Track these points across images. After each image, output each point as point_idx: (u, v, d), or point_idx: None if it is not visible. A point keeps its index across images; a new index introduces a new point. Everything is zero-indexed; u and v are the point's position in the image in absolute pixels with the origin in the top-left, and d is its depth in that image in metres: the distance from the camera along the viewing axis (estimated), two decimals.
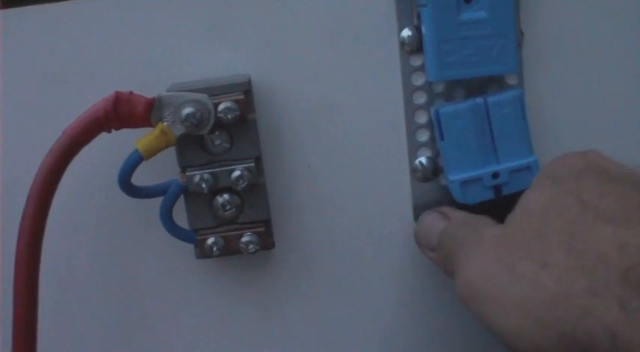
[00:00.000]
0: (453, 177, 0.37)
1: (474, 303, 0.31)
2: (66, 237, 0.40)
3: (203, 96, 0.36)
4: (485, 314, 0.30)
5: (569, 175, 0.30)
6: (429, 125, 0.40)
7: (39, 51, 0.39)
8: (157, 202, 0.39)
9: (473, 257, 0.31)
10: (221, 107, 0.36)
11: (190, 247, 0.40)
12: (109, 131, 0.37)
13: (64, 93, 0.39)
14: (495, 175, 0.37)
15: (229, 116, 0.37)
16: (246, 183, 0.38)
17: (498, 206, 0.35)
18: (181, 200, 0.39)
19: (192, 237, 0.39)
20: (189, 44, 0.39)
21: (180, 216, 0.39)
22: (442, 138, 0.38)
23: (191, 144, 0.38)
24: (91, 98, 0.37)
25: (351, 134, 0.40)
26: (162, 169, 0.39)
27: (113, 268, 0.42)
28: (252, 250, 0.39)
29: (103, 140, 0.37)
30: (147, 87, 0.37)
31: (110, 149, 0.38)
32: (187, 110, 0.36)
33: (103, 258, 0.42)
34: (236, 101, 0.37)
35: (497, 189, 0.38)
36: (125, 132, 0.37)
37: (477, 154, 0.37)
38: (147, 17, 0.39)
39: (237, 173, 0.38)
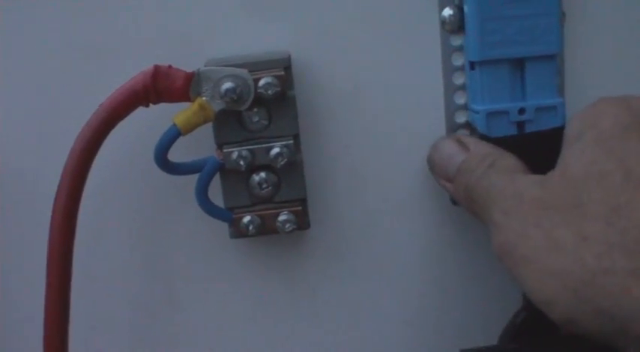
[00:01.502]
0: (480, 107, 0.37)
1: (510, 263, 0.30)
2: (99, 212, 0.40)
3: (243, 71, 0.36)
4: (521, 277, 0.30)
5: (613, 131, 0.30)
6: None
7: (76, 24, 0.38)
8: (191, 179, 0.38)
9: (512, 217, 0.31)
10: (261, 82, 0.36)
11: (223, 226, 0.40)
12: (147, 105, 0.36)
13: (100, 67, 0.39)
14: (521, 111, 0.37)
15: (269, 92, 0.36)
16: (285, 160, 0.37)
17: (517, 143, 0.35)
18: (216, 177, 0.38)
19: (227, 215, 0.38)
20: (227, 19, 0.39)
21: (215, 194, 0.38)
22: (472, 68, 0.37)
23: (228, 121, 0.37)
24: (128, 72, 0.36)
25: (389, 114, 0.40)
26: (197, 146, 0.38)
27: (145, 246, 0.41)
28: (289, 229, 0.38)
29: (139, 114, 0.36)
30: (184, 62, 0.37)
31: (147, 124, 0.37)
32: (227, 85, 0.35)
33: (136, 235, 0.41)
34: (277, 77, 0.36)
35: (520, 125, 0.37)
36: (161, 107, 0.36)
37: (506, 88, 0.37)
38: None
39: (276, 150, 0.37)
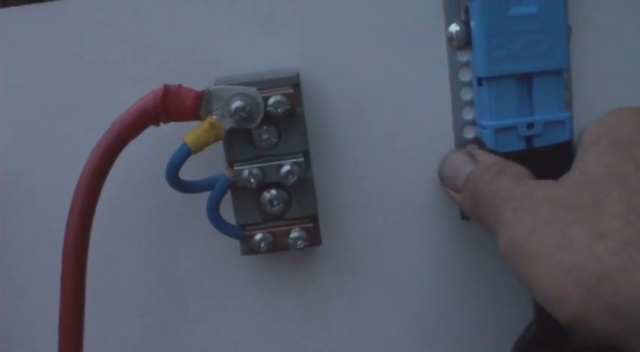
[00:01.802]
0: (488, 122, 0.37)
1: (518, 262, 0.30)
2: (111, 231, 0.40)
3: (252, 90, 0.36)
4: (529, 275, 0.29)
5: (630, 138, 0.30)
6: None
7: (85, 41, 0.39)
8: (202, 197, 0.38)
9: (522, 214, 0.31)
10: (271, 101, 0.36)
11: (234, 243, 0.40)
12: (157, 124, 0.36)
13: (109, 85, 0.39)
14: (530, 126, 0.37)
15: (279, 110, 0.36)
16: (295, 178, 0.37)
17: (526, 158, 0.36)
18: (227, 195, 0.38)
19: (239, 232, 0.39)
20: (235, 37, 0.39)
21: (226, 211, 0.39)
22: (480, 84, 0.37)
23: (238, 139, 0.38)
24: (137, 91, 0.36)
25: (398, 129, 0.40)
26: (207, 164, 0.39)
27: (157, 263, 0.42)
28: (301, 246, 0.38)
29: (149, 134, 0.36)
30: (192, 80, 0.37)
31: (157, 143, 0.38)
32: (237, 103, 0.36)
33: (148, 253, 0.42)
34: (286, 95, 0.36)
35: (528, 140, 0.37)
36: (171, 125, 0.36)
37: (514, 103, 0.37)
38: (193, 9, 0.39)
39: (286, 168, 0.37)
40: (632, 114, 0.31)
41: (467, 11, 0.38)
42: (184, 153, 0.36)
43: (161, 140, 0.37)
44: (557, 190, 0.31)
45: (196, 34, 0.39)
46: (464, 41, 0.39)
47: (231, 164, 0.38)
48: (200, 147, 0.36)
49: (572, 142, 0.37)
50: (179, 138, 0.36)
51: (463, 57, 0.39)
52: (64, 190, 0.36)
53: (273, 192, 0.38)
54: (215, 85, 0.37)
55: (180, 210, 0.40)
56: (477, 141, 0.40)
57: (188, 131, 0.36)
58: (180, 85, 0.36)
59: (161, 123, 0.36)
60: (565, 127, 0.37)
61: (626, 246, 0.27)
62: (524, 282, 0.30)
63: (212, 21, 0.39)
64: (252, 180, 0.37)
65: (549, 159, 0.36)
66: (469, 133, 0.40)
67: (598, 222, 0.28)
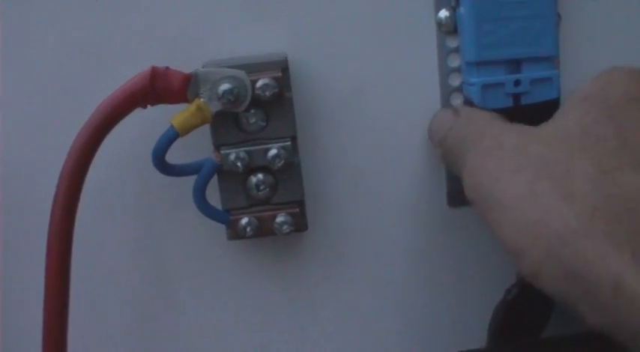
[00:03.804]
0: (475, 79, 0.37)
1: (482, 208, 0.30)
2: (96, 214, 0.39)
3: (241, 73, 0.36)
4: (494, 222, 0.29)
5: (620, 100, 0.29)
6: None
7: (73, 25, 0.39)
8: (187, 181, 0.38)
9: (489, 159, 0.30)
10: (259, 84, 0.36)
11: (220, 227, 0.40)
12: (145, 106, 0.36)
13: (98, 68, 0.39)
14: (517, 83, 0.37)
15: (267, 93, 0.36)
16: (282, 161, 0.37)
17: (513, 116, 0.35)
18: (213, 179, 0.38)
19: (225, 217, 0.38)
20: (224, 21, 0.39)
21: (212, 195, 0.38)
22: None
23: (226, 122, 0.37)
24: (125, 74, 0.36)
25: (385, 115, 0.40)
26: (194, 147, 0.38)
27: (142, 247, 0.41)
28: (287, 231, 0.38)
29: (136, 115, 0.36)
30: (181, 63, 0.37)
31: (143, 125, 0.37)
32: (225, 86, 0.36)
33: (133, 237, 0.41)
34: (274, 78, 0.36)
35: (516, 97, 0.37)
36: (159, 108, 0.36)
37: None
38: None
39: (273, 151, 0.37)
40: (626, 76, 0.30)
41: None
42: (171, 136, 0.36)
43: (148, 122, 0.37)
44: (530, 140, 0.30)
45: (186, 18, 0.39)
46: (453, 27, 0.39)
47: (217, 147, 0.38)
48: (187, 130, 0.36)
49: (559, 100, 0.37)
50: (166, 120, 0.36)
51: (452, 42, 0.39)
52: (53, 171, 0.36)
53: (260, 176, 0.38)
54: (203, 67, 0.36)
55: (165, 194, 0.40)
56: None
57: (175, 114, 0.36)
58: (167, 67, 0.36)
59: (148, 106, 0.36)
60: (553, 84, 0.37)
61: (593, 211, 0.26)
62: (490, 228, 0.30)
63: (201, 5, 0.38)
64: (239, 164, 0.37)
65: (537, 118, 0.36)
66: None
67: (568, 180, 0.28)
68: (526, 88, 0.37)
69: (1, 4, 0.38)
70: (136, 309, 0.42)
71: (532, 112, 0.37)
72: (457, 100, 0.40)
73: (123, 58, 0.38)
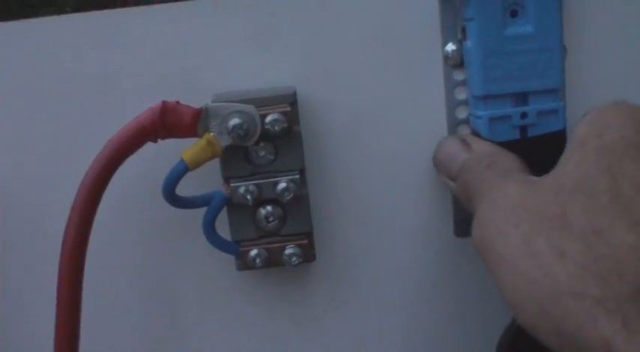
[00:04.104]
0: (482, 112, 0.37)
1: (487, 259, 0.30)
2: (106, 245, 0.40)
3: (250, 108, 0.36)
4: (495, 275, 0.30)
5: (615, 147, 0.29)
6: None
7: (83, 57, 0.39)
8: (197, 213, 0.39)
9: (495, 212, 0.31)
10: (268, 119, 0.36)
11: (229, 259, 0.40)
12: (155, 140, 0.36)
13: (109, 101, 0.39)
14: (524, 115, 0.37)
15: (276, 128, 0.36)
16: (291, 195, 0.37)
17: (521, 147, 0.36)
18: (223, 211, 0.38)
19: (234, 248, 0.39)
20: (232, 55, 0.39)
21: (221, 227, 0.39)
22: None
23: (235, 156, 0.38)
24: (133, 107, 0.36)
25: (393, 147, 0.40)
26: (201, 180, 0.39)
27: (152, 278, 0.42)
28: (296, 262, 0.39)
29: (146, 149, 0.36)
30: (190, 96, 0.37)
31: (153, 159, 0.38)
32: (234, 121, 0.36)
33: (143, 268, 0.42)
34: (283, 113, 0.37)
35: (523, 129, 0.38)
36: (167, 142, 0.37)
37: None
38: (191, 27, 0.39)
39: (282, 185, 0.37)
40: (623, 116, 0.30)
41: (463, 31, 0.38)
42: (181, 170, 0.36)
43: (158, 156, 0.37)
44: (531, 193, 0.30)
45: (195, 51, 0.39)
46: (460, 60, 0.39)
47: (227, 180, 0.38)
48: (197, 164, 0.36)
49: (565, 131, 0.38)
50: (176, 154, 0.36)
51: (459, 75, 0.40)
52: (63, 204, 0.36)
53: (269, 208, 0.38)
54: (213, 101, 0.37)
55: (175, 226, 0.40)
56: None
57: (185, 148, 0.36)
58: (177, 102, 0.36)
59: (158, 140, 0.36)
60: (559, 116, 0.38)
61: (584, 272, 0.26)
62: (492, 279, 0.30)
63: (211, 39, 0.39)
64: (249, 197, 0.37)
65: (544, 148, 0.37)
66: None
67: (561, 237, 0.28)
68: (533, 120, 0.38)
69: (11, 32, 0.39)
70: (145, 338, 0.42)
71: (539, 143, 0.38)
72: (464, 131, 0.40)
73: (133, 91, 0.39)
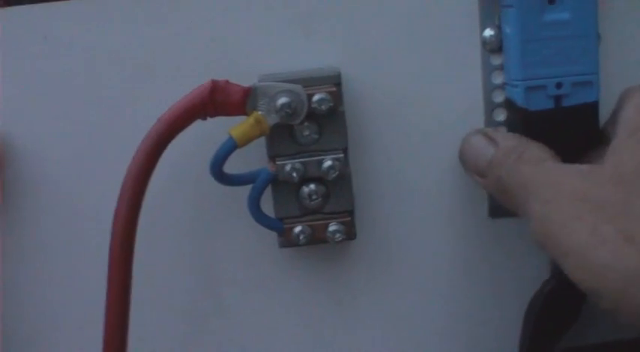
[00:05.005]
0: (518, 81, 0.39)
1: (552, 253, 0.31)
2: (151, 223, 0.40)
3: (298, 87, 0.37)
4: (566, 267, 0.31)
5: None
6: (507, 123, 0.41)
7: (133, 37, 0.40)
8: (238, 191, 0.39)
9: (552, 207, 0.32)
10: (315, 98, 0.37)
11: (270, 236, 0.41)
12: (204, 118, 0.37)
13: (154, 81, 0.40)
14: (559, 85, 0.38)
15: (323, 107, 0.37)
16: (337, 173, 0.38)
17: (554, 117, 0.38)
18: (266, 189, 0.39)
19: (279, 225, 0.40)
20: (275, 38, 0.40)
21: (263, 204, 0.40)
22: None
23: (280, 134, 0.39)
24: (179, 88, 0.37)
25: (430, 129, 0.41)
26: (241, 159, 0.40)
27: (195, 255, 0.43)
28: (339, 239, 0.39)
29: (191, 128, 0.37)
30: (234, 79, 0.38)
31: (198, 136, 0.39)
32: (282, 100, 0.37)
33: (188, 243, 0.43)
34: (329, 93, 0.37)
35: (557, 99, 0.39)
36: (212, 119, 0.37)
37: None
38: (238, 9, 0.40)
39: (328, 163, 0.38)
40: None
41: (501, 16, 0.39)
42: (230, 147, 0.37)
43: (202, 134, 0.38)
44: (589, 185, 0.31)
45: (239, 34, 0.40)
46: (497, 45, 0.40)
47: (272, 158, 0.39)
48: (245, 141, 0.37)
49: (598, 104, 0.39)
50: (219, 132, 0.37)
51: (496, 60, 0.41)
52: (106, 188, 0.37)
53: (312, 186, 0.39)
54: (259, 81, 0.38)
55: (218, 204, 0.41)
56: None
57: (234, 126, 0.37)
58: (227, 81, 0.37)
59: (207, 118, 0.37)
60: (593, 88, 0.39)
61: None
62: (563, 269, 0.31)
63: (254, 22, 0.40)
64: (295, 175, 0.38)
65: (577, 119, 0.38)
66: None
67: (628, 222, 0.29)
68: (567, 91, 0.39)
69: (53, 15, 0.40)
70: (187, 315, 0.43)
71: (572, 114, 0.39)
72: (500, 117, 0.41)
73: (175, 73, 0.40)
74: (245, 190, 0.39)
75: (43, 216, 0.42)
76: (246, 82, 0.37)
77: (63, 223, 0.42)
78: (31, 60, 0.40)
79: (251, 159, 0.40)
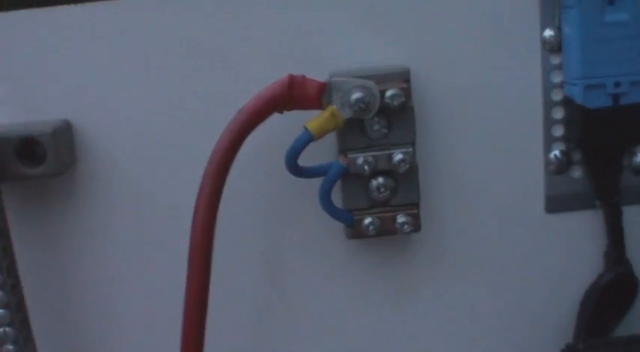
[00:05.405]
0: (579, 79, 0.40)
1: None
2: (224, 214, 0.41)
3: (370, 83, 0.38)
4: None
5: None
6: (565, 121, 0.43)
7: (207, 34, 0.41)
8: (309, 183, 0.40)
9: None
10: (388, 93, 0.39)
11: (337, 228, 0.42)
12: (281, 112, 0.38)
13: (229, 75, 0.41)
14: (617, 84, 0.40)
15: (395, 102, 0.39)
16: (407, 166, 0.40)
17: (612, 115, 0.39)
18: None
19: (348, 217, 0.41)
20: (345, 36, 0.42)
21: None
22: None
23: (351, 128, 0.40)
24: (251, 83, 0.38)
25: (491, 125, 0.43)
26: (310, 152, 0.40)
27: (264, 245, 0.44)
28: (407, 230, 0.41)
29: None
30: (306, 73, 0.39)
31: (272, 129, 0.39)
32: (357, 95, 0.38)
33: (258, 233, 0.44)
34: (401, 88, 0.39)
35: (616, 98, 0.40)
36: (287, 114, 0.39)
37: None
38: (306, 10, 0.41)
39: (399, 156, 0.40)
40: None
41: (561, 17, 0.41)
42: (306, 139, 0.38)
43: (275, 127, 0.39)
44: None
45: (312, 30, 0.41)
46: (556, 45, 0.42)
47: (343, 152, 0.40)
48: (321, 134, 0.38)
49: None
50: (292, 125, 0.38)
51: (555, 60, 0.42)
52: (180, 179, 0.39)
53: (381, 179, 0.40)
54: (331, 78, 0.39)
55: (287, 197, 0.43)
56: (564, 140, 0.43)
57: (309, 119, 0.38)
58: (304, 76, 0.38)
59: (284, 111, 0.38)
60: None
61: None
62: None
63: (325, 21, 0.41)
64: (366, 168, 0.40)
65: (634, 117, 0.40)
66: (557, 132, 0.43)
67: None
68: (625, 89, 0.40)
69: (131, 13, 0.41)
70: (252, 302, 0.44)
71: (629, 112, 0.40)
72: (557, 115, 0.43)
73: (247, 68, 0.41)
74: (311, 183, 0.40)
75: (116, 213, 0.43)
76: (316, 77, 0.39)
77: (137, 220, 0.43)
78: (106, 55, 0.41)
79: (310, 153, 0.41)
